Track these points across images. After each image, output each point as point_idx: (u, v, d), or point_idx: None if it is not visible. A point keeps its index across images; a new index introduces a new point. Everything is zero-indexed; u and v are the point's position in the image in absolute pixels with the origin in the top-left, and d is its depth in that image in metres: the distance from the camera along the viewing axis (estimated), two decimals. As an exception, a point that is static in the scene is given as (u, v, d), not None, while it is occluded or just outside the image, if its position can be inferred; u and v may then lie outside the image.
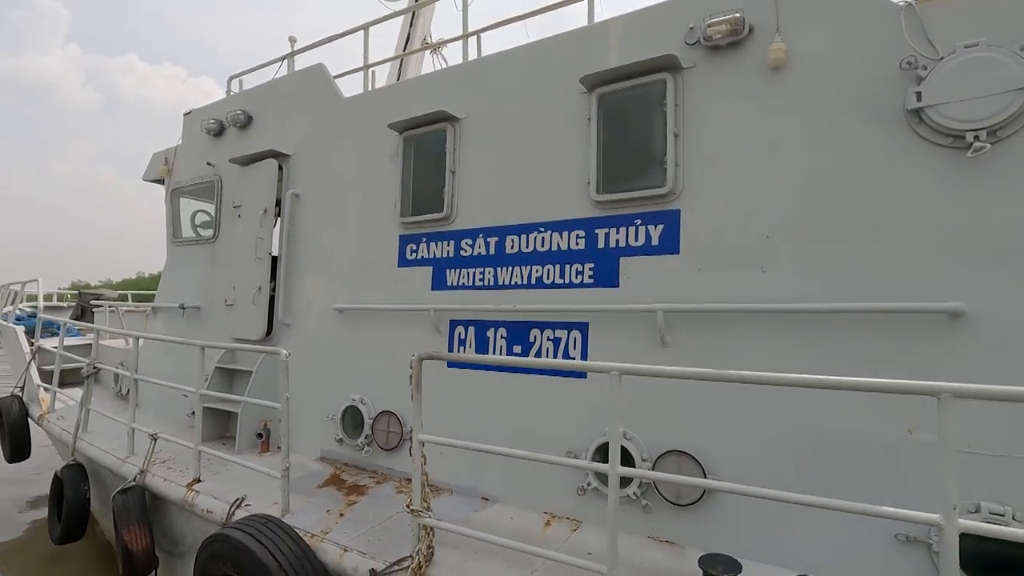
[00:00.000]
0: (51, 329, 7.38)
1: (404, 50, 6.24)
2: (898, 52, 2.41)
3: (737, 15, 2.75)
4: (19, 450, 6.07)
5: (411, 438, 2.68)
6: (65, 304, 8.75)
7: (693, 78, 2.95)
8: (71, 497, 4.61)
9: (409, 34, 6.35)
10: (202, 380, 4.72)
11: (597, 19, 3.55)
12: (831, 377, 1.82)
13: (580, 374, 3.11)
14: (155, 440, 4.14)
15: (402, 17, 6.47)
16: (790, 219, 2.64)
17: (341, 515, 3.23)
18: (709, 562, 2.25)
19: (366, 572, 2.64)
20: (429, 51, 6.22)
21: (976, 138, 2.22)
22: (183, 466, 4.01)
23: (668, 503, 2.78)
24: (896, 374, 2.25)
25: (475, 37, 4.45)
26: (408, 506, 2.67)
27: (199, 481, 3.79)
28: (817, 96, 2.62)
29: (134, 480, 4.01)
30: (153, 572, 3.99)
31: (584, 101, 3.24)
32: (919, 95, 2.33)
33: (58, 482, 4.74)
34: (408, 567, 2.59)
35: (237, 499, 3.43)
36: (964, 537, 1.57)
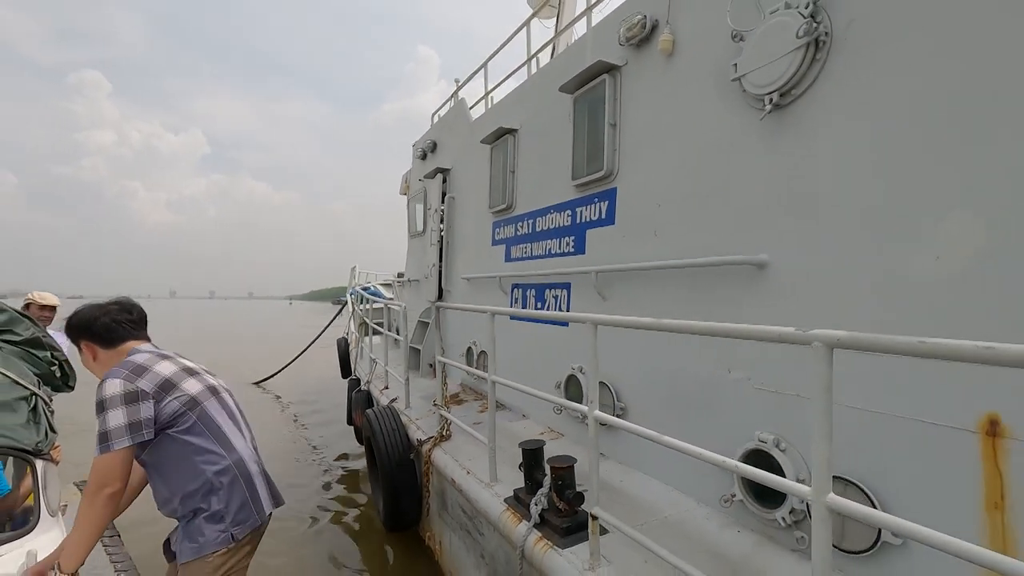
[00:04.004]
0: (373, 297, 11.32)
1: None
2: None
3: (638, 16, 3.19)
4: (346, 369, 9.82)
5: (434, 360, 4.12)
6: (392, 282, 12.93)
7: (627, 74, 3.45)
8: (351, 396, 7.58)
9: (555, 44, 7.44)
10: (411, 330, 7.04)
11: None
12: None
13: (564, 323, 3.97)
14: (375, 363, 6.62)
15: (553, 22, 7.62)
16: (672, 188, 3.01)
17: (433, 413, 4.89)
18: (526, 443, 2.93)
19: (416, 440, 4.23)
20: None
21: (771, 101, 2.35)
22: (386, 380, 6.33)
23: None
24: (722, 319, 2.61)
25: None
26: (435, 403, 4.13)
27: (387, 388, 6.01)
28: (693, 77, 2.90)
29: (363, 385, 6.56)
30: (373, 442, 6.47)
31: (568, 105, 4.00)
32: (736, 66, 2.52)
33: (348, 388, 7.82)
34: (432, 439, 4.07)
35: (393, 398, 5.47)
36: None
